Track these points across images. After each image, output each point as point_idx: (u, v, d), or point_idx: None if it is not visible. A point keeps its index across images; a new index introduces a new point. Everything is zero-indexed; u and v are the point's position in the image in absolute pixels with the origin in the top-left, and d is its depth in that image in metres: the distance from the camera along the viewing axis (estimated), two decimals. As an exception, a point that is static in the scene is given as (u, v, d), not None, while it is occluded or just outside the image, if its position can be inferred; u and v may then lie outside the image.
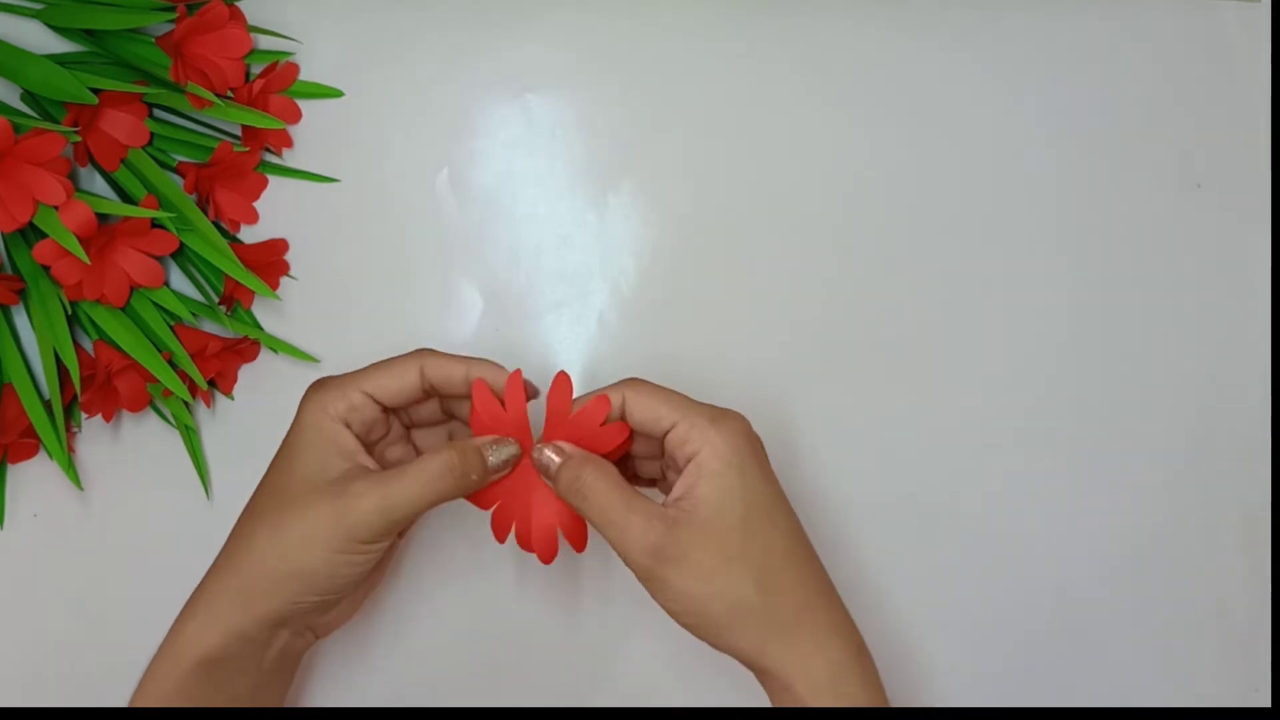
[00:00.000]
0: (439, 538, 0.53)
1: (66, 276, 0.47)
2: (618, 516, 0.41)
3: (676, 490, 0.42)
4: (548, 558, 0.44)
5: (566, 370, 0.44)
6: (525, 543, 0.44)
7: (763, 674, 0.42)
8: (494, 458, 0.43)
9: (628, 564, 0.41)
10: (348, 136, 0.54)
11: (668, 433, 0.42)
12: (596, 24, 0.55)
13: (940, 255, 0.55)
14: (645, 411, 0.42)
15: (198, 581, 0.43)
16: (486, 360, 0.44)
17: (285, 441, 0.44)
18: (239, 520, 0.44)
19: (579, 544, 0.44)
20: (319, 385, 0.44)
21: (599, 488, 0.41)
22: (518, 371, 0.43)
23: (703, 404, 0.43)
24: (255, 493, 0.44)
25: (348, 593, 0.44)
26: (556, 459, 0.42)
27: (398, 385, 0.43)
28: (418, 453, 0.47)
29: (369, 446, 0.44)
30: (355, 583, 0.43)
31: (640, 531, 0.40)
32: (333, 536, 0.40)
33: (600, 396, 0.43)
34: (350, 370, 0.45)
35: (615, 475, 0.42)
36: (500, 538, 0.44)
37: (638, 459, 0.47)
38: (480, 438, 0.43)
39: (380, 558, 0.43)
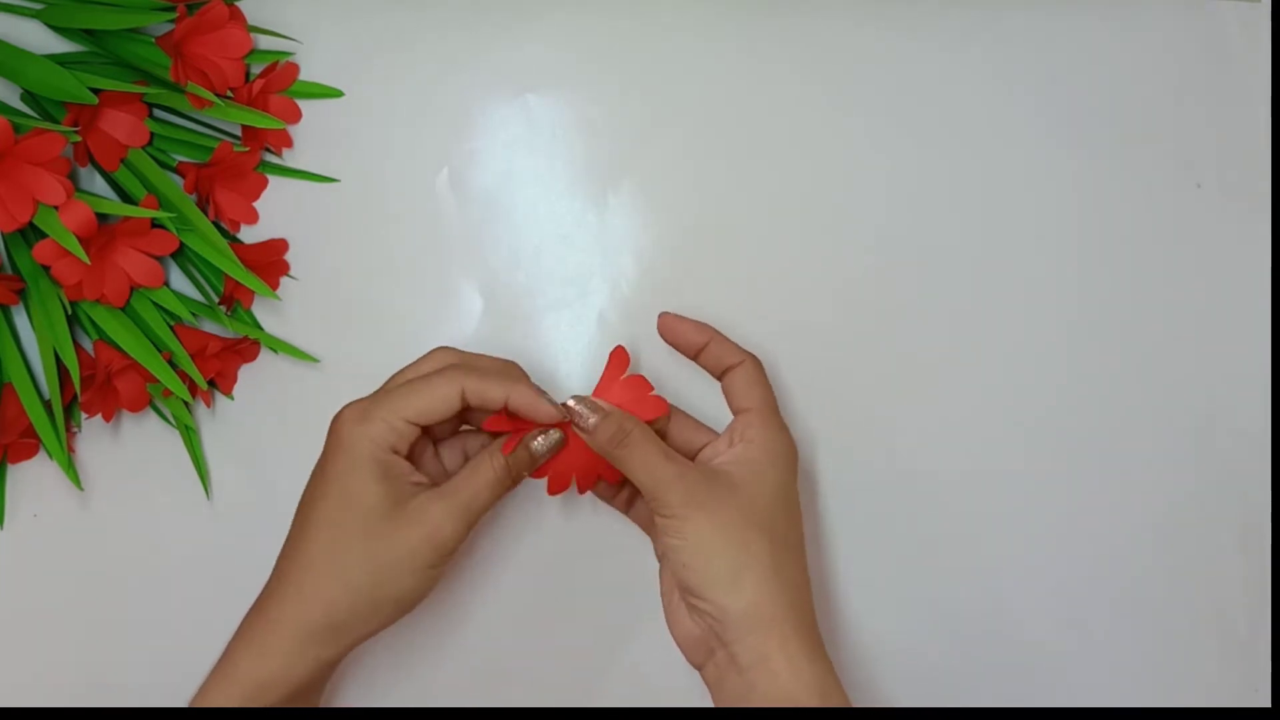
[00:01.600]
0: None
1: (66, 276, 0.47)
2: (657, 464, 0.44)
3: (720, 459, 0.47)
4: (585, 489, 0.49)
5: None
6: (586, 487, 0.49)
7: (735, 642, 0.43)
8: (538, 445, 0.46)
9: (658, 509, 0.44)
10: (348, 136, 0.54)
11: (741, 411, 0.48)
12: (596, 24, 0.55)
13: (940, 255, 0.55)
14: (739, 385, 0.48)
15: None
16: (522, 381, 0.45)
17: (332, 471, 0.44)
18: (298, 554, 0.44)
19: (612, 476, 0.48)
20: (360, 417, 0.44)
21: (640, 440, 0.45)
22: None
23: (781, 418, 0.48)
24: (312, 526, 0.44)
25: None
26: (595, 415, 0.45)
27: (441, 409, 0.45)
28: (436, 458, 0.48)
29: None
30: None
31: (676, 475, 0.44)
32: (428, 557, 0.43)
33: (638, 376, 0.48)
34: (373, 385, 0.46)
35: (652, 432, 0.46)
36: (558, 491, 0.48)
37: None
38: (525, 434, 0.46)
39: None
